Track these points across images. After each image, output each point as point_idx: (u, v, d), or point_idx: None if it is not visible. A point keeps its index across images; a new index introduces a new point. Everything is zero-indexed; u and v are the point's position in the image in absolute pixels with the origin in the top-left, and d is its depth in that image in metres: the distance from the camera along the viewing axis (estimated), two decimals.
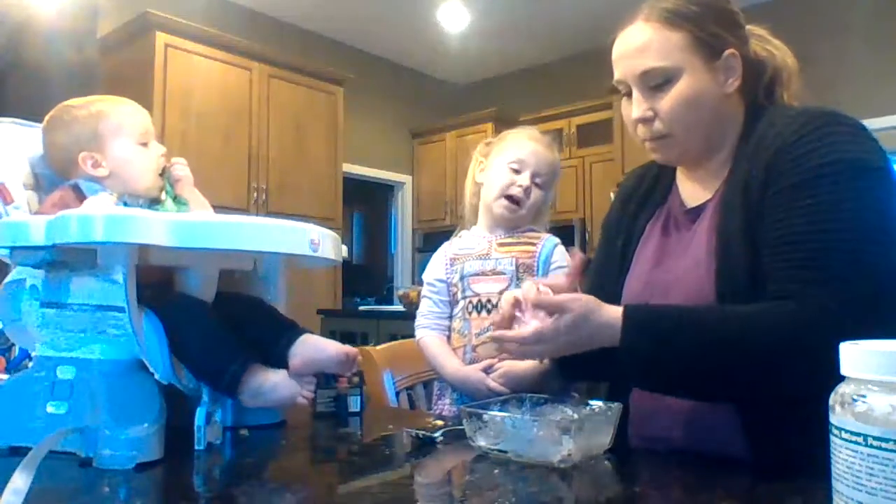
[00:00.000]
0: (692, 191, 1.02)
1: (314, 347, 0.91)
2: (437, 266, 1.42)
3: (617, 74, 0.96)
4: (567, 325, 0.81)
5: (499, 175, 1.37)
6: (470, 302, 1.34)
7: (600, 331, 0.82)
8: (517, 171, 1.36)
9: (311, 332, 0.94)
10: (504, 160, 1.37)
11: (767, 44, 1.00)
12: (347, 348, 0.92)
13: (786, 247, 0.82)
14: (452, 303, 1.38)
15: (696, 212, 0.98)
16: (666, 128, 0.93)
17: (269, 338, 0.92)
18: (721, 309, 0.85)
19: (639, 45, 0.92)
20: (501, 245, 1.37)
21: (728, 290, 0.86)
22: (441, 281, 1.40)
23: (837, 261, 0.78)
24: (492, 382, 1.23)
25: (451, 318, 1.39)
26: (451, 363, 1.32)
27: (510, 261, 1.33)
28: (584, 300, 0.83)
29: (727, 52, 0.92)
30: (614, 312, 0.82)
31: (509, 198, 1.35)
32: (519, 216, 1.37)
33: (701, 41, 0.91)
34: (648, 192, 1.09)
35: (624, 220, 1.10)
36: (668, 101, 0.91)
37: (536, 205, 1.38)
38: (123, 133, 0.99)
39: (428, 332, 1.38)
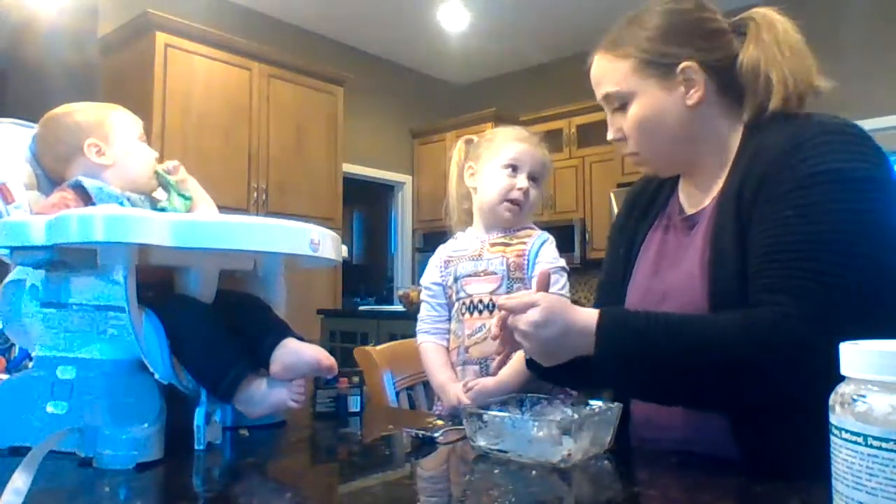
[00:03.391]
0: (691, 197, 1.02)
1: (293, 353, 0.91)
2: (433, 270, 1.43)
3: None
4: (540, 317, 0.83)
5: (495, 179, 1.36)
6: (463, 303, 1.35)
7: (575, 326, 0.83)
8: (514, 174, 1.36)
9: (294, 336, 0.94)
10: (498, 163, 1.37)
11: (771, 32, 0.93)
12: (322, 355, 0.91)
13: (762, 257, 0.82)
14: (449, 305, 1.39)
15: (694, 219, 0.98)
16: (634, 147, 0.98)
17: (257, 340, 0.92)
18: (691, 315, 0.85)
19: (596, 74, 0.99)
20: (494, 245, 1.37)
21: (720, 300, 0.85)
22: (437, 284, 1.41)
23: (805, 270, 0.77)
24: (463, 397, 1.25)
25: (450, 319, 1.39)
26: (439, 375, 1.33)
27: (501, 261, 1.33)
28: (552, 296, 0.87)
29: (682, 65, 0.92)
30: (588, 312, 0.85)
31: (511, 201, 1.35)
32: (519, 217, 1.37)
33: (649, 63, 0.93)
34: (651, 199, 1.10)
35: (627, 228, 1.10)
36: (629, 122, 0.96)
37: (535, 205, 1.39)
38: (128, 127, 1.03)
39: (426, 338, 1.40)
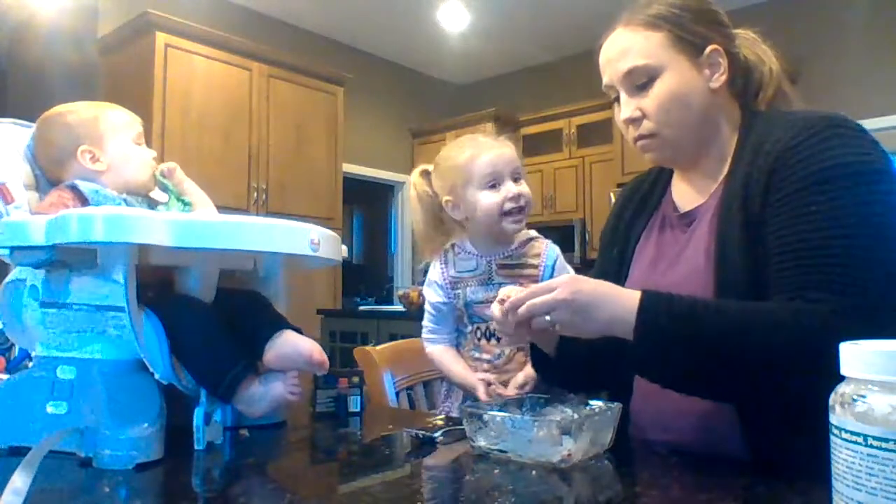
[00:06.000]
0: (686, 194, 1.02)
1: (288, 344, 0.91)
2: (436, 291, 1.35)
3: (605, 80, 0.99)
4: (571, 277, 0.82)
5: (484, 202, 1.26)
6: (478, 328, 1.30)
7: (611, 287, 0.82)
8: (497, 188, 1.26)
9: (295, 330, 0.94)
10: (477, 186, 1.26)
11: (756, 47, 1.01)
12: (316, 350, 0.91)
13: (790, 254, 0.81)
14: (458, 323, 1.35)
15: (691, 215, 0.98)
16: (654, 126, 0.95)
17: (254, 331, 0.93)
18: (730, 301, 0.83)
19: (620, 48, 0.95)
20: (502, 267, 1.30)
21: (727, 293, 0.85)
22: (444, 304, 1.34)
23: (841, 266, 0.77)
24: (481, 390, 1.23)
25: (457, 330, 1.36)
26: (457, 369, 1.31)
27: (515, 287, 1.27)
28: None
29: (710, 47, 0.93)
30: (629, 291, 0.82)
31: (508, 213, 1.26)
32: (523, 223, 1.30)
33: (682, 39, 0.93)
34: (644, 199, 1.10)
35: (619, 228, 1.10)
36: (653, 98, 0.93)
37: (532, 200, 1.31)
38: (123, 130, 1.01)
39: (435, 347, 1.36)
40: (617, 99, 0.98)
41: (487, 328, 1.29)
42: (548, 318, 0.81)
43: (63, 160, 0.97)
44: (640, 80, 0.94)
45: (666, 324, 0.79)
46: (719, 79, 0.94)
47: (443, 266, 1.35)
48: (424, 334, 1.39)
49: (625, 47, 0.95)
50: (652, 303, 0.80)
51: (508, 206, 1.25)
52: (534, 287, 0.84)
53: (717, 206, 0.93)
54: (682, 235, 0.98)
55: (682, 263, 0.95)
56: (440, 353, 1.36)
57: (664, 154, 0.99)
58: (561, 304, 0.80)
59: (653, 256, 1.02)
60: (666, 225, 1.03)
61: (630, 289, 1.00)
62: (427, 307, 1.38)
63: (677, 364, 0.81)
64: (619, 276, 1.05)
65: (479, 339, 1.31)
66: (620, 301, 0.81)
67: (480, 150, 1.28)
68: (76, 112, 1.00)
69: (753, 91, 1.00)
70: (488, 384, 1.25)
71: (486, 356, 1.29)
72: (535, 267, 1.31)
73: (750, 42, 1.01)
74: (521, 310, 0.82)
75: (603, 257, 1.13)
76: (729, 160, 0.95)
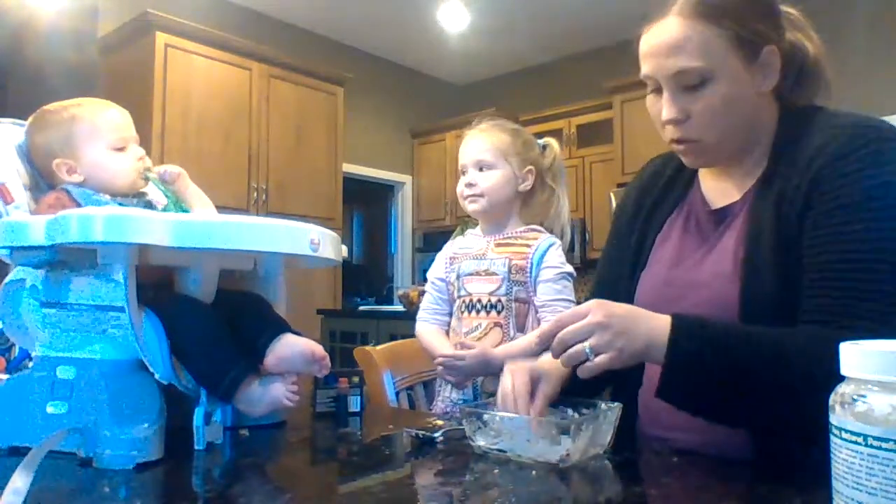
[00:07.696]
0: (718, 190, 0.96)
1: (288, 346, 0.91)
2: (439, 265, 1.46)
3: (646, 70, 0.89)
4: (595, 308, 0.76)
5: (458, 185, 1.43)
6: (463, 301, 1.36)
7: (644, 316, 0.77)
8: (463, 174, 1.41)
9: (295, 333, 0.94)
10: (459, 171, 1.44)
11: (804, 31, 0.93)
12: (316, 347, 0.92)
13: (827, 273, 0.78)
14: (451, 301, 1.40)
15: (723, 213, 0.94)
16: (698, 132, 0.88)
17: (254, 335, 0.93)
18: (766, 328, 0.79)
19: (673, 42, 0.85)
20: (498, 245, 1.38)
21: (755, 301, 0.83)
22: (441, 280, 1.43)
23: (881, 291, 0.75)
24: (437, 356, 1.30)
25: (451, 314, 1.40)
26: (430, 342, 1.37)
27: (503, 262, 1.33)
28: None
29: (766, 49, 0.85)
30: (659, 316, 0.78)
31: (466, 199, 1.40)
32: (485, 208, 1.38)
33: (742, 39, 0.84)
34: (667, 186, 1.04)
35: (640, 216, 1.04)
36: (703, 104, 0.86)
37: (496, 188, 1.37)
38: (97, 137, 0.97)
39: (425, 325, 1.44)
40: (655, 90, 0.90)
41: (471, 300, 1.35)
42: (586, 344, 0.75)
43: (47, 167, 0.97)
44: (691, 82, 0.85)
45: (698, 349, 0.75)
46: (770, 84, 0.87)
47: (451, 243, 1.48)
48: (419, 314, 1.46)
49: (678, 42, 0.84)
50: (684, 327, 0.76)
51: (466, 192, 1.40)
52: (560, 316, 0.77)
53: (749, 210, 0.88)
54: (711, 234, 0.93)
55: (707, 264, 0.91)
56: (427, 331, 1.42)
57: (702, 160, 0.95)
58: (598, 328, 0.74)
59: (676, 251, 0.97)
60: (692, 220, 0.97)
61: (647, 282, 0.98)
62: (427, 287, 1.47)
63: (710, 392, 0.77)
64: (634, 267, 1.01)
65: (462, 312, 1.36)
66: (654, 321, 0.77)
67: (466, 139, 1.43)
68: (53, 119, 0.97)
69: (791, 81, 0.92)
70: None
71: (464, 329, 1.35)
72: (528, 247, 1.35)
73: (794, 23, 0.92)
74: (555, 343, 0.76)
75: (617, 245, 1.06)
76: (765, 160, 0.90)
